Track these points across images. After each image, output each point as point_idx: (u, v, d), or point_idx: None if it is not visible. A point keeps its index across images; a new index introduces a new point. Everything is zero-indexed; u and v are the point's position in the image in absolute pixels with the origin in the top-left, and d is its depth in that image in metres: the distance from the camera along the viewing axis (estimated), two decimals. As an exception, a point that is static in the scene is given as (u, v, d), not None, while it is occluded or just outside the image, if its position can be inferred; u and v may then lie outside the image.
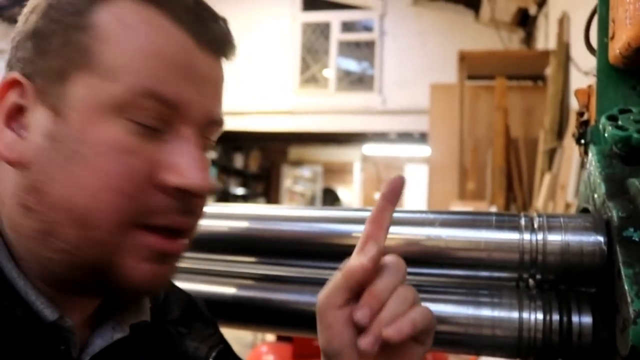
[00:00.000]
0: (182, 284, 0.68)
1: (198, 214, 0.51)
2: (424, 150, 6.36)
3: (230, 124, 7.27)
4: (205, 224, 0.70)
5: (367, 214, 0.69)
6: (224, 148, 8.45)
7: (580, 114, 0.83)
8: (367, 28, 7.38)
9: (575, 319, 0.59)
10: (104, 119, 0.45)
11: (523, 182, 4.50)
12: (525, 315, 0.60)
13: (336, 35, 7.38)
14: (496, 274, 0.64)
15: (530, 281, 0.65)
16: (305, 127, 7.19)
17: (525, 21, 6.36)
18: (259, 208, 0.76)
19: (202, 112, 0.49)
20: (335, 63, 7.37)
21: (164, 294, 0.62)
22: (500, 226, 0.62)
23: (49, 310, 0.46)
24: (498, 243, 0.61)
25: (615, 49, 0.76)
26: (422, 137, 6.51)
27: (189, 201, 0.48)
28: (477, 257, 0.62)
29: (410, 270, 0.64)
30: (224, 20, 0.52)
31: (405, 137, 7.34)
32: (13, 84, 0.47)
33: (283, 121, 7.22)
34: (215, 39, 0.50)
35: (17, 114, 0.47)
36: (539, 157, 3.97)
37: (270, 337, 2.61)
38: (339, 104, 7.11)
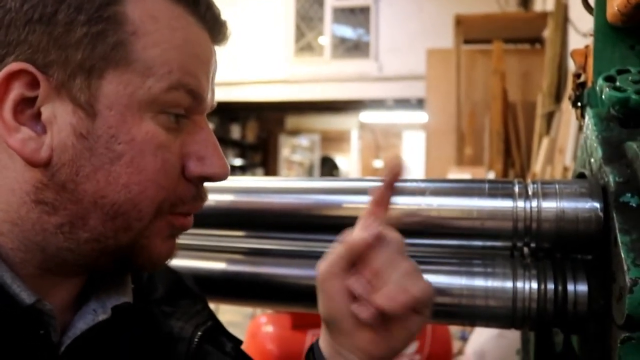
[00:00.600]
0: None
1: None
2: (421, 117, 6.32)
3: (226, 94, 7.27)
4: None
5: (355, 184, 0.68)
6: (220, 119, 8.39)
7: (577, 76, 0.81)
8: (362, -7, 7.26)
9: (570, 287, 0.58)
10: (140, 115, 0.45)
11: (521, 146, 4.48)
12: (519, 284, 0.59)
13: (330, 1, 7.25)
14: (490, 243, 0.62)
15: (525, 250, 0.64)
16: (302, 96, 7.13)
17: (522, -18, 6.25)
18: (245, 181, 0.73)
19: (210, 101, 0.51)
20: (330, 30, 7.26)
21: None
22: (493, 194, 0.60)
23: (26, 294, 0.44)
24: (491, 211, 0.59)
25: (614, 6, 0.73)
26: (419, 103, 6.46)
27: (203, 186, 0.51)
28: (470, 226, 0.60)
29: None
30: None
31: (402, 103, 7.29)
32: (18, 74, 0.43)
33: (279, 90, 7.15)
34: (222, 30, 0.52)
35: (25, 107, 0.44)
36: (537, 121, 3.93)
37: (270, 307, 2.61)
38: (335, 71, 7.03)
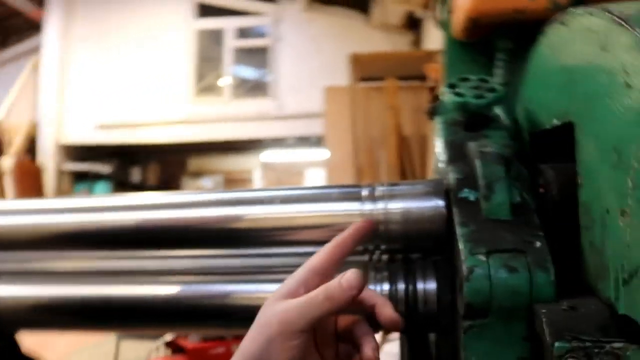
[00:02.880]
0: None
1: None
2: (322, 154, 6.42)
3: (125, 136, 7.05)
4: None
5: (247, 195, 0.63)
6: (119, 162, 8.10)
7: (431, 89, 0.84)
8: (262, 34, 7.37)
9: (420, 286, 0.58)
10: None
11: (416, 178, 4.64)
12: (371, 287, 0.59)
13: (230, 41, 7.30)
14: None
15: (383, 255, 0.64)
16: (203, 137, 7.06)
17: (414, 24, 6.59)
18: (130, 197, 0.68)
19: None
20: (231, 70, 7.29)
21: None
22: (341, 198, 0.60)
23: None
24: (339, 215, 0.59)
25: (455, 22, 0.78)
26: (320, 141, 6.57)
27: None
28: (320, 232, 0.60)
29: (251, 252, 0.61)
30: None
31: (303, 141, 7.38)
32: None
33: (180, 131, 7.05)
34: None
35: None
36: (431, 153, 4.09)
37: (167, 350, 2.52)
38: (235, 111, 7.03)
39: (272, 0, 7.27)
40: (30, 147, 7.25)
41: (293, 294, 0.51)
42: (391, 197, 0.60)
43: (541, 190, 0.58)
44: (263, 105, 7.04)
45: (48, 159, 7.05)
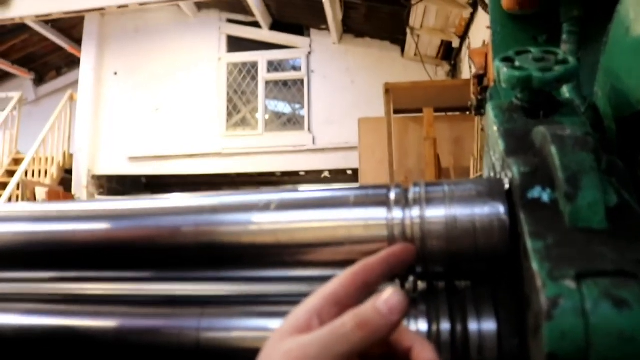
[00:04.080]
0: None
1: None
2: (357, 187, 6.25)
3: (158, 168, 7.00)
4: None
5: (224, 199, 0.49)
6: (152, 193, 8.10)
7: (477, 78, 0.68)
8: (295, 67, 7.33)
9: (472, 325, 0.41)
10: None
11: (456, 210, 4.43)
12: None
13: (263, 74, 7.27)
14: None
15: (418, 281, 0.47)
16: (236, 169, 7.00)
17: (449, 54, 6.45)
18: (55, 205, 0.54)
19: None
20: (264, 103, 7.25)
21: None
22: (360, 202, 0.44)
23: None
24: (356, 226, 0.43)
25: (509, -12, 0.62)
26: (355, 174, 6.42)
27: None
28: (332, 249, 0.43)
29: (233, 275, 0.45)
30: None
31: (338, 174, 7.23)
32: None
33: (213, 163, 7.00)
34: None
35: None
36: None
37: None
38: (268, 144, 6.95)
39: (305, 34, 7.24)
40: (64, 177, 7.30)
41: (304, 328, 0.36)
42: (430, 201, 0.43)
43: (646, 189, 0.41)
44: (297, 138, 6.94)
45: (81, 189, 7.07)
